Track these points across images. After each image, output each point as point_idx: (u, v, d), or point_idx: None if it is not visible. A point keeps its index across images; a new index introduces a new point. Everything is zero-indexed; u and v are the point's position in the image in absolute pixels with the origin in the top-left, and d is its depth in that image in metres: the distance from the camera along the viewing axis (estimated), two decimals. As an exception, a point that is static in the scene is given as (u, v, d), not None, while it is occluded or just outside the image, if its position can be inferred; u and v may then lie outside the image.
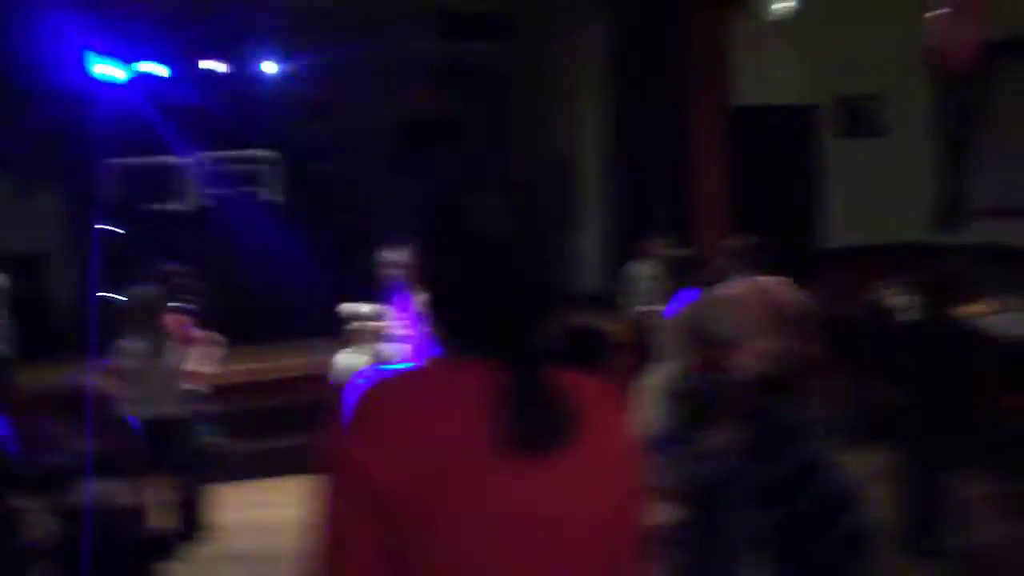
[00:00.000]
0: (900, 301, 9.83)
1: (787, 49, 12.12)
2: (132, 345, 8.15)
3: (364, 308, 9.11)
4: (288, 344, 11.58)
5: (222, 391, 10.46)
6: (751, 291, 7.66)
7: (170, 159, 11.93)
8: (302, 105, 12.74)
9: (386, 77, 12.89)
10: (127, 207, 11.68)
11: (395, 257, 8.87)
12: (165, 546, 8.25)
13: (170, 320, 8.47)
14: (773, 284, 7.79)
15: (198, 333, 8.78)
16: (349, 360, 8.91)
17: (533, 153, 14.34)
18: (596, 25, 12.95)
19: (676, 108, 12.46)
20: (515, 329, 2.21)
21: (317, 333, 9.84)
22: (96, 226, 11.80)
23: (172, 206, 11.89)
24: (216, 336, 9.00)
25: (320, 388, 9.74)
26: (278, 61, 12.12)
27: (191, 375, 8.59)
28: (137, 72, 12.06)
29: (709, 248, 10.16)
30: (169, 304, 8.57)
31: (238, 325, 11.38)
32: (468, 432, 2.13)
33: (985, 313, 9.65)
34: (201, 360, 8.77)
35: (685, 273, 8.07)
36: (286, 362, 11.21)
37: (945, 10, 9.69)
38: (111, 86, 11.92)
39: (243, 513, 9.22)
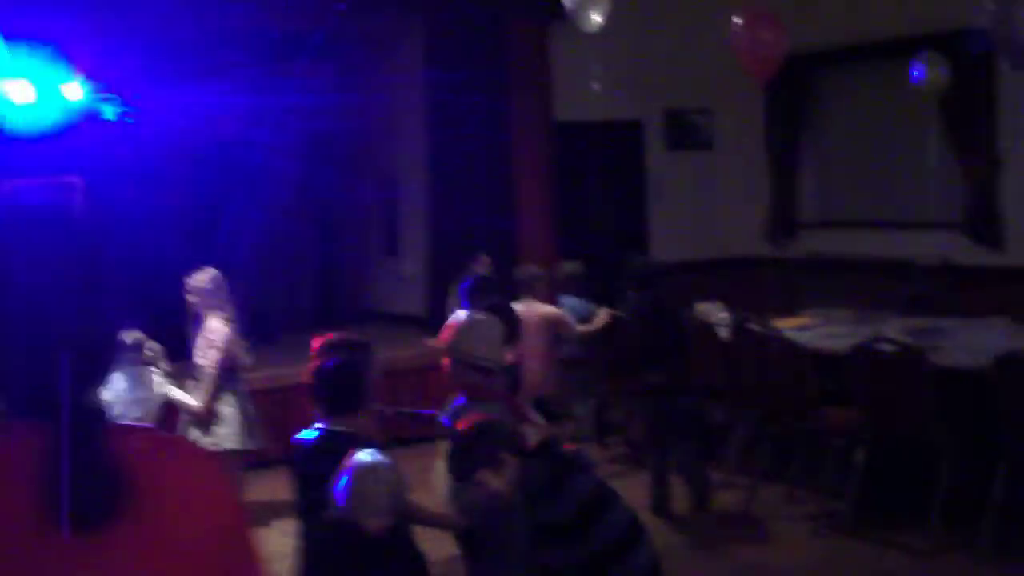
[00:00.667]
0: (719, 317, 9.68)
1: (611, 62, 11.92)
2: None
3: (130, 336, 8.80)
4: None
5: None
6: (524, 314, 7.46)
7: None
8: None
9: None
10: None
11: (193, 283, 8.54)
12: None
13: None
14: (548, 309, 7.51)
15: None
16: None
17: (359, 176, 14.04)
18: (415, 42, 12.66)
19: (497, 125, 12.22)
20: (59, 387, 1.84)
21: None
22: None
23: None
24: None
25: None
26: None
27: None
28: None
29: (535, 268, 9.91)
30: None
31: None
32: (5, 506, 1.80)
33: (806, 325, 9.54)
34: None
35: (482, 293, 7.80)
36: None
37: (741, 21, 9.60)
38: None
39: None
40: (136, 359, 8.31)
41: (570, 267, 10.98)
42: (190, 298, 8.50)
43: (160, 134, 12.11)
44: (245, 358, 8.51)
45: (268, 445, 8.29)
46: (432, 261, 12.47)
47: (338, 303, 14.07)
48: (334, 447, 4.68)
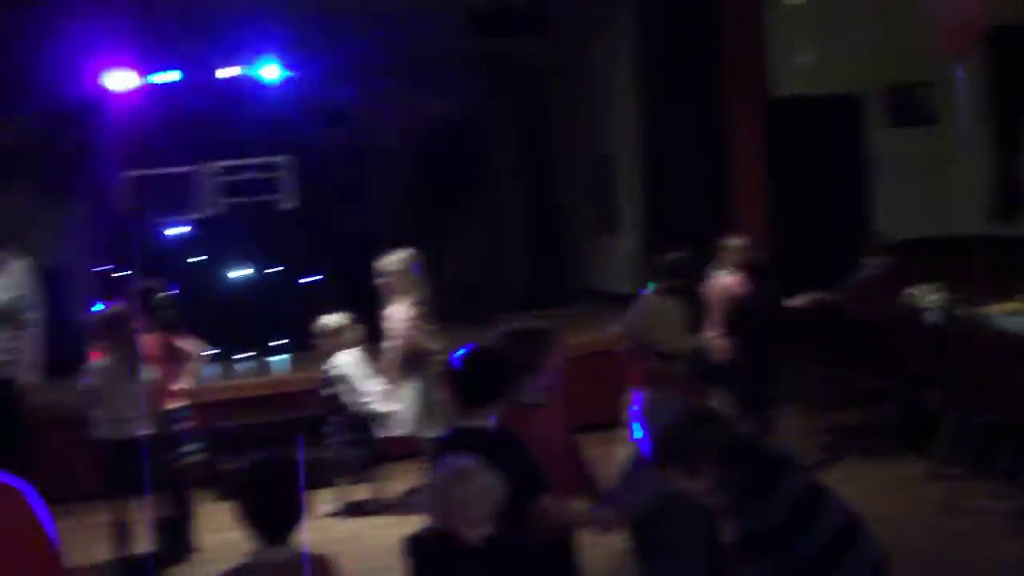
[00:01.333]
0: (930, 300, 9.29)
1: (828, 37, 11.55)
2: (100, 364, 7.90)
3: (334, 319, 8.88)
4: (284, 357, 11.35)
5: (220, 406, 10.30)
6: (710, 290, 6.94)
7: (184, 168, 11.72)
8: (319, 108, 12.42)
9: (409, 77, 12.54)
10: (142, 218, 11.50)
11: (387, 265, 8.59)
12: (144, 568, 8.04)
13: (148, 338, 8.20)
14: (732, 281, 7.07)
15: (179, 350, 8.50)
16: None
17: (569, 153, 13.93)
18: (628, 18, 12.47)
19: (713, 102, 11.98)
20: None
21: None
22: (111, 239, 11.70)
23: (187, 215, 11.67)
24: (200, 352, 8.71)
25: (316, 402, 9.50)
26: (293, 64, 11.83)
27: (170, 393, 8.32)
28: (150, 82, 11.88)
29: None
30: (148, 321, 8.30)
31: (238, 337, 11.25)
32: None
33: (1021, 311, 9.08)
34: (181, 377, 8.49)
35: (666, 274, 7.58)
36: (284, 376, 10.89)
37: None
38: (124, 96, 11.76)
39: (233, 534, 8.90)
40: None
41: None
42: (380, 280, 8.56)
43: (369, 110, 12.33)
44: (430, 344, 8.50)
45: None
46: (646, 237, 12.26)
47: (551, 281, 13.98)
48: (461, 446, 4.51)
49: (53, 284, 11.07)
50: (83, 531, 8.50)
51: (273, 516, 3.95)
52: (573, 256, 14.25)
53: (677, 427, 4.33)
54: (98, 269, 10.57)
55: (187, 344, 8.59)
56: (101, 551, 8.14)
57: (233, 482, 4.13)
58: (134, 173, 11.73)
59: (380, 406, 8.78)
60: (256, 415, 10.37)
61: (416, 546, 4.26)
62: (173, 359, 8.41)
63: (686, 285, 6.84)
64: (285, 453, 4.11)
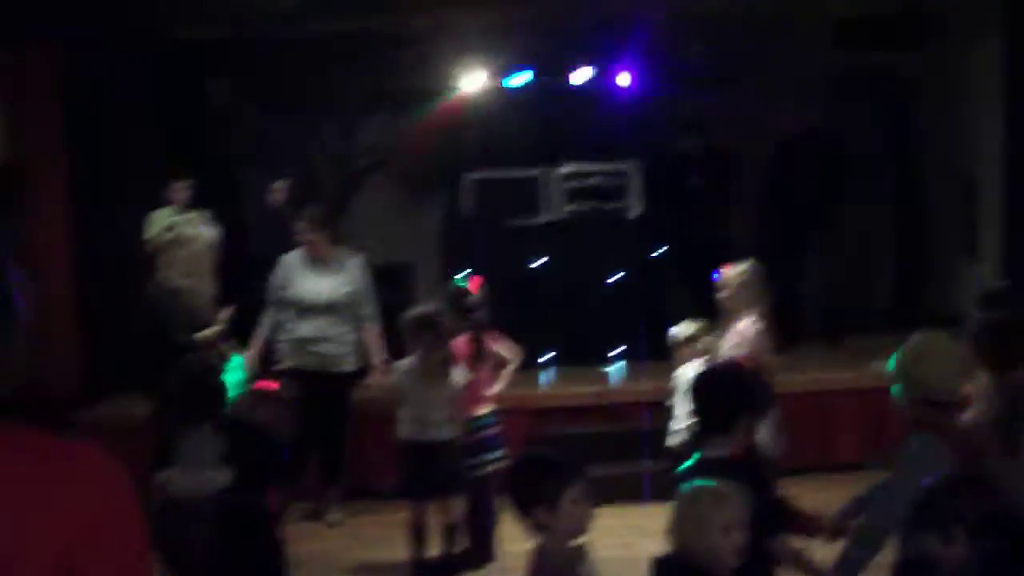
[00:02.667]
0: None
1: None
2: (405, 365, 7.90)
3: (687, 328, 8.52)
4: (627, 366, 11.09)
5: (551, 413, 10.19)
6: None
7: (532, 171, 11.71)
8: (671, 115, 12.18)
9: (771, 88, 12.11)
10: (489, 220, 11.57)
11: (728, 277, 8.22)
12: (438, 570, 8.02)
13: (459, 340, 8.16)
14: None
15: (491, 353, 8.41)
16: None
17: (932, 168, 13.14)
18: (994, 34, 11.63)
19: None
20: None
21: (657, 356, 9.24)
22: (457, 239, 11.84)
23: (531, 220, 11.65)
24: (513, 356, 8.58)
25: (649, 415, 9.25)
26: (646, 69, 11.64)
27: (479, 397, 8.24)
28: (503, 83, 11.96)
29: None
30: (461, 322, 8.26)
31: (578, 345, 11.12)
32: None
33: None
34: (492, 381, 8.40)
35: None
36: (617, 387, 10.66)
37: None
38: (471, 96, 11.90)
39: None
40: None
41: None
42: (721, 293, 8.20)
43: (724, 118, 12.03)
44: (772, 360, 8.05)
45: (785, 452, 7.80)
46: (1006, 262, 11.42)
47: (916, 305, 13.21)
48: (701, 473, 4.32)
49: (397, 282, 11.35)
50: (382, 529, 8.57)
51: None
52: (937, 278, 13.44)
53: (936, 490, 4.00)
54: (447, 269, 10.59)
55: (500, 348, 8.48)
56: (399, 551, 8.14)
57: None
58: (480, 175, 11.80)
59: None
60: (589, 424, 10.19)
61: (662, 570, 4.17)
62: (484, 362, 8.31)
63: (1005, 318, 6.13)
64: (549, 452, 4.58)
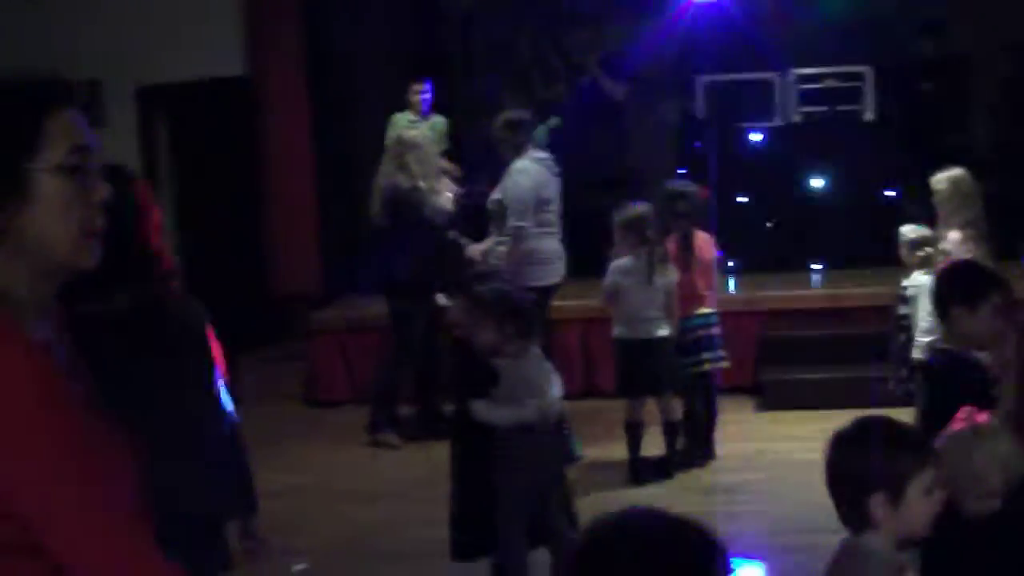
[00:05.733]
0: None
1: None
2: (620, 264, 8.02)
3: (916, 232, 8.33)
4: (858, 271, 10.90)
5: (782, 315, 10.19)
6: None
7: (763, 75, 11.59)
8: (907, 18, 11.84)
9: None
10: (720, 124, 11.52)
11: (935, 184, 8.06)
12: (656, 468, 8.13)
13: (670, 240, 8.23)
14: None
15: (703, 255, 8.45)
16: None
17: None
18: None
19: None
20: None
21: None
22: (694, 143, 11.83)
23: (765, 123, 11.54)
24: (720, 258, 8.61)
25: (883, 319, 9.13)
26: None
27: (695, 297, 8.31)
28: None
29: None
30: (674, 223, 8.33)
31: (808, 248, 11.04)
32: None
33: None
34: (707, 281, 8.45)
35: None
36: (848, 290, 10.53)
37: None
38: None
39: (760, 444, 8.83)
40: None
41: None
42: (933, 199, 8.06)
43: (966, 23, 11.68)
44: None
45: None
46: None
47: None
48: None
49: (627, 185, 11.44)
50: (600, 428, 8.72)
51: None
52: None
53: None
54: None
55: (709, 248, 8.52)
56: (618, 449, 8.29)
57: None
58: (712, 78, 11.74)
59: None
60: (817, 327, 10.16)
61: None
62: (695, 264, 8.36)
63: None
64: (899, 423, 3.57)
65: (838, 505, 3.28)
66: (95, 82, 11.39)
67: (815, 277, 11.00)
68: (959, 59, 11.85)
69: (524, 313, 5.87)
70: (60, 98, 2.16)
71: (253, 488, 4.18)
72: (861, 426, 3.35)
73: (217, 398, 3.88)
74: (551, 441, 5.93)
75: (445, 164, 10.06)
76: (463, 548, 5.93)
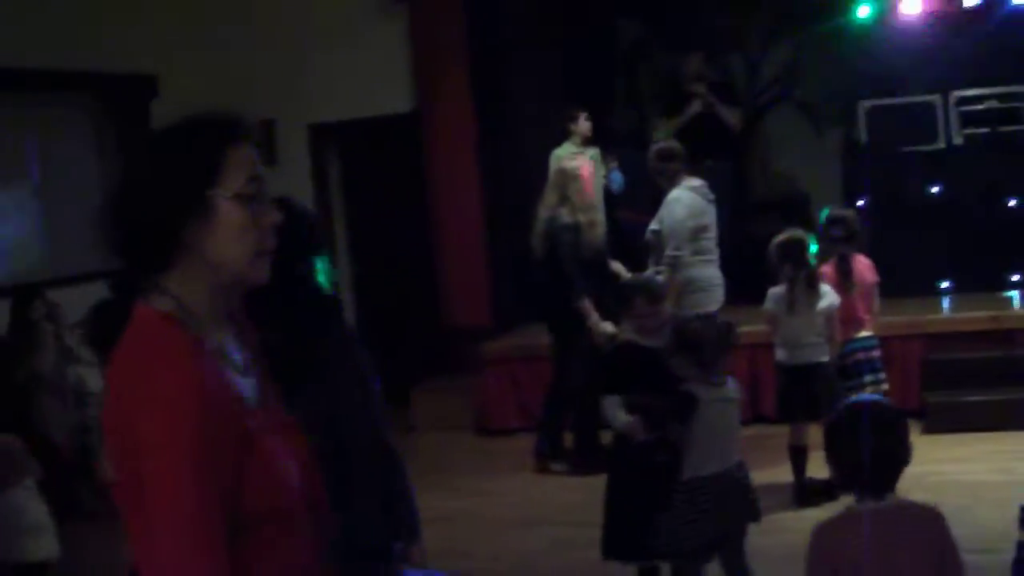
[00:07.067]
0: None
1: None
2: (777, 290, 8.13)
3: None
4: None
5: (943, 339, 10.15)
6: None
7: (926, 97, 11.52)
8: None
9: None
10: (883, 149, 11.51)
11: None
12: (821, 490, 8.15)
13: (827, 264, 8.32)
14: None
15: (861, 277, 8.51)
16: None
17: None
18: None
19: None
20: None
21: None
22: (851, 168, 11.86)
23: (927, 147, 11.47)
24: (876, 279, 8.64)
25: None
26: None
27: (854, 319, 8.38)
28: (884, 10, 11.85)
29: None
30: (832, 247, 8.43)
31: (973, 271, 10.98)
32: None
33: None
34: (866, 305, 8.52)
35: None
36: (1012, 312, 10.47)
37: None
38: (865, 24, 11.83)
39: (924, 467, 8.79)
40: None
41: None
42: None
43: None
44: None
45: None
46: None
47: None
48: None
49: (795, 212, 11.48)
50: (765, 452, 8.79)
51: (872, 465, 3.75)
52: None
53: None
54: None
55: (869, 272, 8.58)
56: (782, 473, 8.37)
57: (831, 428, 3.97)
58: (875, 102, 11.73)
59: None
60: (982, 349, 10.10)
61: None
62: (853, 287, 8.43)
63: None
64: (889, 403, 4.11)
65: None
66: (269, 121, 11.92)
67: (970, 299, 10.95)
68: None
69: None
70: (240, 133, 2.49)
71: (415, 512, 4.28)
72: None
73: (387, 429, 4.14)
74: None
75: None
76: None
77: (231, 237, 2.42)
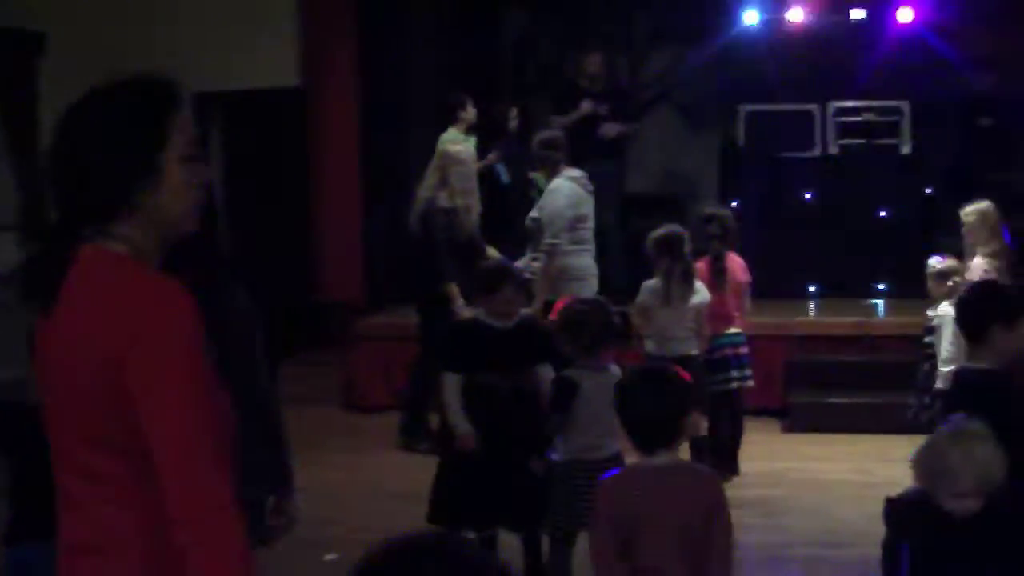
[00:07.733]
0: None
1: None
2: (650, 283, 8.23)
3: (943, 263, 8.53)
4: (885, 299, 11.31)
5: (809, 341, 10.41)
6: None
7: (805, 105, 11.79)
8: (944, 56, 12.00)
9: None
10: (761, 153, 11.74)
11: (965, 215, 8.33)
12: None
13: (701, 261, 8.46)
14: None
15: (733, 275, 8.66)
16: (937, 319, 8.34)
17: None
18: None
19: None
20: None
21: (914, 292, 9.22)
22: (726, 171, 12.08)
23: (803, 153, 11.74)
24: (748, 279, 8.82)
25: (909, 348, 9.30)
26: (926, 7, 11.57)
27: (724, 316, 8.53)
28: (770, 17, 12.12)
29: None
30: (706, 244, 8.58)
31: (842, 277, 11.26)
32: None
33: None
34: (735, 302, 8.68)
35: None
36: (876, 319, 10.79)
37: None
38: (748, 30, 12.08)
39: (783, 464, 9.02)
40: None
41: None
42: (963, 230, 8.30)
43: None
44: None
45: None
46: None
47: None
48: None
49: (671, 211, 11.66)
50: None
51: (648, 426, 4.14)
52: None
53: None
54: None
55: (741, 271, 8.74)
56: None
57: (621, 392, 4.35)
58: (754, 107, 11.96)
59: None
60: (846, 354, 10.38)
61: (894, 513, 4.18)
62: (726, 284, 8.58)
63: None
64: (675, 374, 4.30)
65: None
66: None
67: (838, 304, 11.26)
68: (1010, 96, 12.02)
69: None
70: (180, 99, 2.74)
71: (290, 467, 4.39)
72: None
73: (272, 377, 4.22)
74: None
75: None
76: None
77: (177, 195, 2.67)
